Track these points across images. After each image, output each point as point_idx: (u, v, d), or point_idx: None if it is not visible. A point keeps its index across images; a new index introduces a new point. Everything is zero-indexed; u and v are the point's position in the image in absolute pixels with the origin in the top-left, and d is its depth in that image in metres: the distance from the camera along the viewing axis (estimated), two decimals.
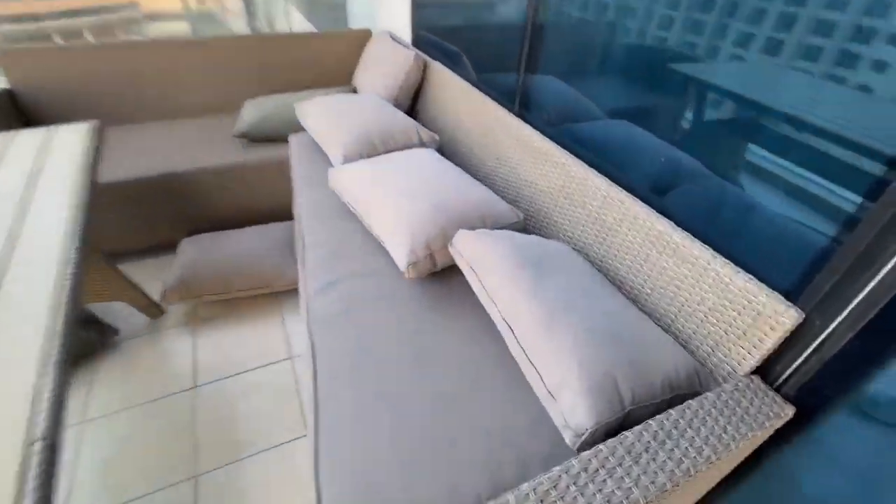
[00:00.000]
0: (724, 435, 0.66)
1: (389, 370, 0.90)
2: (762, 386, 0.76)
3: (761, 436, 0.70)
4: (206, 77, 2.10)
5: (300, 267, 1.23)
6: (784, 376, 0.77)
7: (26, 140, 1.23)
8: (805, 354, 0.74)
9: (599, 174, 1.13)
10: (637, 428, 0.67)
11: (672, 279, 0.91)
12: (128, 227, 1.76)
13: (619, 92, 1.30)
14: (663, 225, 0.94)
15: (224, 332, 1.59)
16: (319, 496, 0.73)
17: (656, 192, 1.09)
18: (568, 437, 0.71)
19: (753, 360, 0.77)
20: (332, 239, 1.26)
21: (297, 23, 4.35)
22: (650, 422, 0.68)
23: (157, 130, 1.99)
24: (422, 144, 1.60)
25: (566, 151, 1.23)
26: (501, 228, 1.18)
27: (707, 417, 0.68)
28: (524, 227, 1.27)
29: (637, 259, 0.99)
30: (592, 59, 1.39)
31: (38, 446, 0.58)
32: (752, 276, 0.78)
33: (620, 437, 0.65)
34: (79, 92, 1.93)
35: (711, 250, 0.85)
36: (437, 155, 1.43)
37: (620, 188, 1.07)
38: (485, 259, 0.97)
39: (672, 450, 0.63)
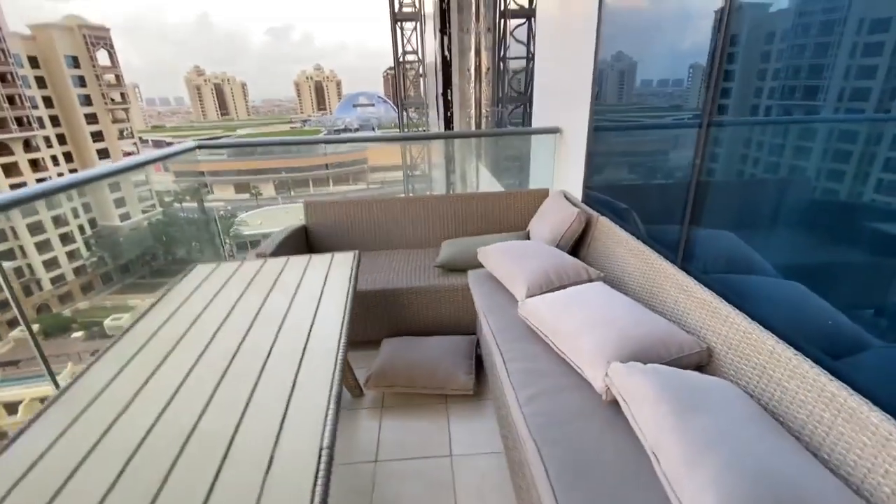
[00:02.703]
0: None
1: (613, 479, 1.02)
2: None
3: None
4: (421, 221, 2.86)
5: (503, 379, 1.45)
6: None
7: (319, 260, 1.96)
8: None
9: (765, 329, 1.18)
10: None
11: (851, 446, 0.89)
12: (354, 325, 2.36)
13: (785, 248, 1.35)
14: (836, 387, 0.95)
15: (403, 420, 1.91)
16: None
17: (832, 355, 1.09)
18: None
19: None
20: (526, 357, 1.51)
21: (484, 178, 5.36)
22: None
23: (385, 258, 2.71)
24: (589, 280, 1.84)
25: (729, 304, 1.32)
26: (685, 357, 1.29)
27: None
28: (708, 359, 1.33)
29: (811, 418, 0.99)
30: (760, 214, 1.44)
31: (324, 453, 0.91)
32: None
33: None
34: (344, 229, 2.84)
35: (894, 420, 0.84)
36: (609, 288, 1.64)
37: (788, 345, 1.11)
38: (632, 391, 1.10)
39: None
